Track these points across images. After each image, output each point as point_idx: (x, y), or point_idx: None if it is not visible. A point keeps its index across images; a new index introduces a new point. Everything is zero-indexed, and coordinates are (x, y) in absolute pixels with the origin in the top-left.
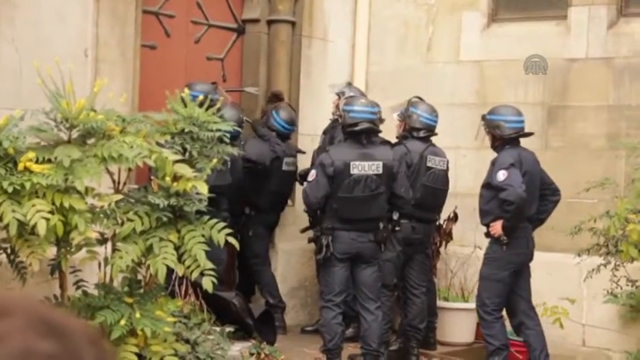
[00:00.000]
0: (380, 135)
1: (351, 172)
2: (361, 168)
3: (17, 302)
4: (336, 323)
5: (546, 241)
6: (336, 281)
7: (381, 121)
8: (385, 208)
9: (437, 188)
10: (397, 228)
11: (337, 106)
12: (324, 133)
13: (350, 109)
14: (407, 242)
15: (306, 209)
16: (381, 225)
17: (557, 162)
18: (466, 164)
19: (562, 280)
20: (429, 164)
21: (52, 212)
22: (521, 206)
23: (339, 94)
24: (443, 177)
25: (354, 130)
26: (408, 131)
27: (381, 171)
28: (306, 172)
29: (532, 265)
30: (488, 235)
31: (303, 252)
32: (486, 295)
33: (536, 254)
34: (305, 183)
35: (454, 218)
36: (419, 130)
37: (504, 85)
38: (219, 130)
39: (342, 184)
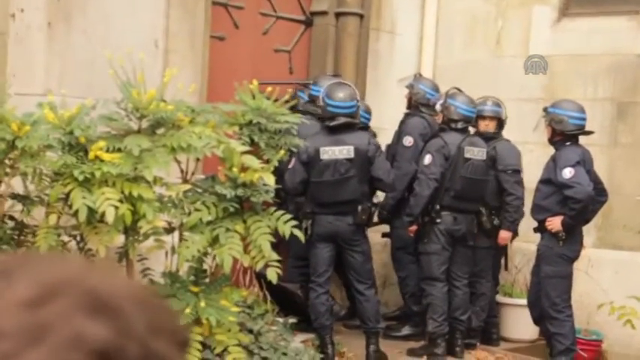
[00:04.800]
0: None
1: (322, 157)
2: (331, 153)
3: (66, 279)
4: (319, 303)
5: (615, 239)
6: (319, 262)
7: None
8: (359, 191)
9: (476, 179)
10: (438, 220)
11: (410, 99)
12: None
13: (456, 104)
14: (449, 233)
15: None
16: (360, 208)
17: (626, 159)
18: (533, 159)
19: (629, 278)
20: (466, 155)
21: (121, 201)
22: (588, 205)
23: (409, 87)
24: (482, 167)
25: (457, 127)
26: (446, 123)
27: (352, 155)
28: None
29: (599, 263)
30: (540, 230)
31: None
32: (555, 293)
33: (604, 252)
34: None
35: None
36: (456, 122)
37: (573, 81)
38: (286, 122)
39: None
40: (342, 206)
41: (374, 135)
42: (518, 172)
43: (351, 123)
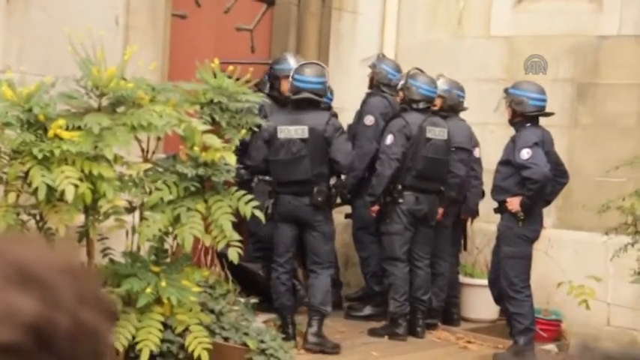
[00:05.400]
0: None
1: (278, 136)
2: (287, 132)
3: None
4: (279, 283)
5: (574, 219)
6: (280, 243)
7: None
8: (312, 172)
9: (438, 159)
10: (400, 200)
11: (372, 79)
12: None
13: (417, 84)
14: (411, 214)
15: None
16: (315, 189)
17: (586, 140)
18: (494, 140)
19: (588, 258)
20: (428, 135)
21: (80, 179)
22: (545, 185)
23: (371, 67)
24: (443, 147)
25: (418, 107)
26: (407, 103)
27: (306, 135)
28: None
29: (559, 243)
30: (500, 210)
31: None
32: (514, 273)
33: (564, 232)
34: None
35: (480, 195)
36: (417, 102)
37: None
38: (248, 101)
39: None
40: (297, 186)
41: (334, 115)
42: (464, 150)
43: (314, 100)
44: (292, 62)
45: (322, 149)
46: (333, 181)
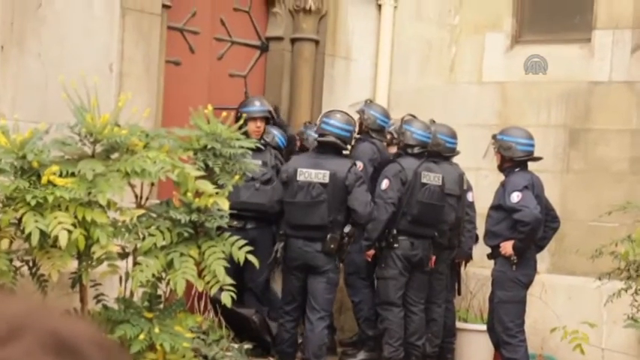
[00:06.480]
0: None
1: (298, 178)
2: (307, 175)
3: (28, 319)
4: (284, 330)
5: (567, 264)
6: (286, 291)
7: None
8: (328, 218)
9: (433, 204)
10: (395, 245)
11: (360, 124)
12: None
13: (412, 129)
14: (406, 259)
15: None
16: (329, 236)
17: (578, 185)
18: (487, 185)
19: (582, 303)
20: (423, 180)
21: (74, 225)
22: (536, 227)
23: (360, 112)
24: (439, 192)
25: (413, 152)
26: (402, 148)
27: (327, 180)
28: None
29: (553, 288)
30: (492, 256)
31: None
32: (508, 318)
33: (557, 277)
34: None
35: (474, 239)
36: (412, 147)
37: (527, 107)
38: (241, 147)
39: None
40: (311, 231)
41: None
42: (452, 196)
43: (338, 146)
44: (257, 104)
45: (341, 196)
46: (347, 229)
